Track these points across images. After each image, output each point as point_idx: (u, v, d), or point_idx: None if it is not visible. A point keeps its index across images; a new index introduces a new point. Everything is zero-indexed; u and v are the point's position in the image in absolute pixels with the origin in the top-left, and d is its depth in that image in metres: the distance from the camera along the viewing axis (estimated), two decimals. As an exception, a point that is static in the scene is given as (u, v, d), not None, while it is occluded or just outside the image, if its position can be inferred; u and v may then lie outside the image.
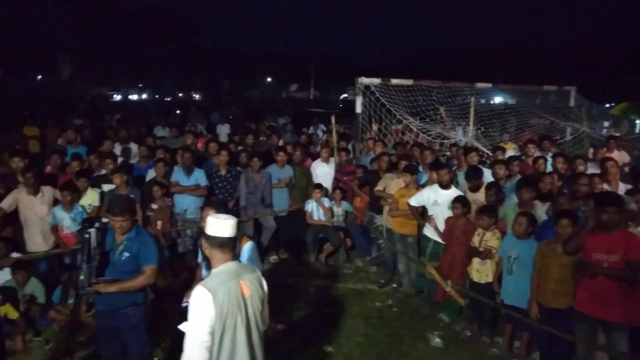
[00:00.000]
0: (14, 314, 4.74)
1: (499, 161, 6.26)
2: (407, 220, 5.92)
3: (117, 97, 40.71)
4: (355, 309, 5.66)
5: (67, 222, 5.53)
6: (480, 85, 9.31)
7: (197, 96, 46.62)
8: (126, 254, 3.47)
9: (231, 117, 16.61)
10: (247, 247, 3.79)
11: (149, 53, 43.89)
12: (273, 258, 7.08)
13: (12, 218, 5.57)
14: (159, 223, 6.03)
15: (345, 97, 44.37)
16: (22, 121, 11.79)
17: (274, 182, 6.90)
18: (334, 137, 7.90)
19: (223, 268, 2.56)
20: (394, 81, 8.29)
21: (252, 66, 50.74)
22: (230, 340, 2.45)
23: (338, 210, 7.16)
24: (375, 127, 8.65)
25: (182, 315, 2.49)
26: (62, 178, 6.13)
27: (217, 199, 6.40)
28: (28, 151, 6.88)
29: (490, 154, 7.65)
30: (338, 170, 7.45)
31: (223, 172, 6.75)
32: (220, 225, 2.55)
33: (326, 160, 7.55)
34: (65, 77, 47.12)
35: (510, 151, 7.87)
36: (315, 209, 6.93)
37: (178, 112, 18.11)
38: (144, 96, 45.78)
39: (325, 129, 11.20)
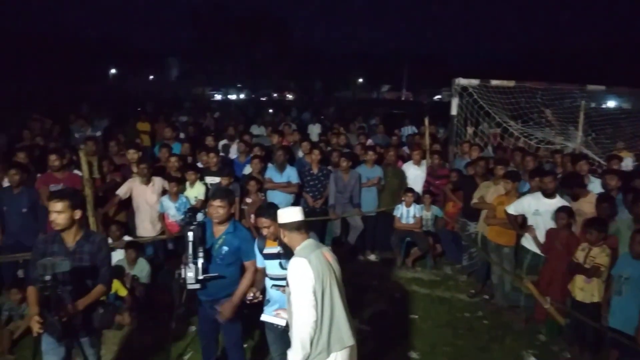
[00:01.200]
0: (123, 291, 5.24)
1: (611, 171, 5.69)
2: (504, 230, 5.60)
3: (218, 97, 43.23)
4: (443, 317, 5.48)
5: (172, 211, 5.99)
6: (592, 87, 8.53)
7: (290, 96, 48.04)
8: (225, 248, 3.60)
9: (322, 117, 16.90)
10: None
11: (248, 55, 46.06)
12: (359, 258, 7.08)
13: (126, 205, 6.16)
14: (252, 216, 6.30)
15: (438, 99, 43.04)
16: (136, 117, 13.00)
17: (363, 182, 6.90)
18: (427, 139, 7.70)
19: (305, 244, 2.98)
20: (494, 82, 7.88)
21: (345, 67, 51.10)
22: (328, 297, 2.84)
23: (427, 215, 6.98)
24: (470, 130, 8.30)
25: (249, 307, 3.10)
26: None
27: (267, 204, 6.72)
28: (141, 144, 7.53)
29: (602, 162, 6.99)
30: (430, 173, 7.26)
31: (315, 170, 6.88)
32: (291, 211, 3.05)
33: (417, 163, 7.39)
34: (172, 77, 51.11)
35: (627, 160, 7.12)
36: (404, 214, 6.82)
37: (270, 110, 18.82)
38: (242, 96, 48.14)
39: (416, 130, 10.96)
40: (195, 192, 6.10)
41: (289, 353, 2.86)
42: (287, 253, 3.20)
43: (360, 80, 54.73)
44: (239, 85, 50.24)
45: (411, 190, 6.92)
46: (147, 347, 4.60)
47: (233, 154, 8.15)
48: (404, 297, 5.98)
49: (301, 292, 2.78)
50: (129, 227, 6.15)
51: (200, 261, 3.46)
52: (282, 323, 3.40)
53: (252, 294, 3.49)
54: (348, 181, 6.77)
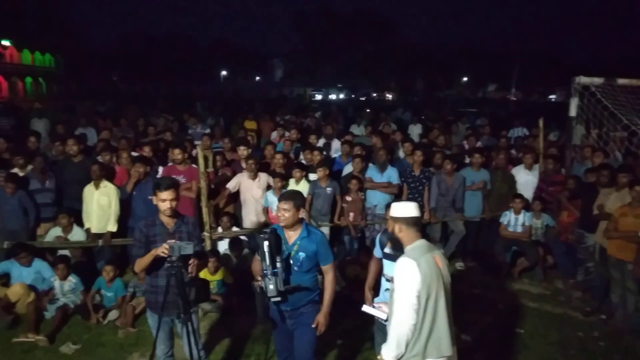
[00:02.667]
0: (229, 279, 5.59)
1: None
2: (628, 244, 5.02)
3: (319, 97, 44.28)
4: (552, 334, 5.07)
5: (275, 205, 6.24)
6: None
7: (390, 96, 47.65)
8: (302, 254, 3.36)
9: (423, 117, 16.50)
10: None
11: (350, 54, 46.52)
12: (459, 265, 6.81)
13: (235, 198, 6.56)
14: (351, 215, 6.37)
15: (552, 99, 39.79)
16: (244, 116, 13.77)
17: (467, 186, 6.62)
18: (541, 142, 7.16)
19: (417, 244, 2.87)
20: (621, 81, 7.08)
21: (449, 65, 49.43)
22: (432, 305, 2.74)
23: (537, 223, 6.50)
24: (594, 133, 7.55)
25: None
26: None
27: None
28: (250, 142, 7.96)
29: None
30: (543, 179, 6.75)
31: (417, 172, 6.73)
32: (408, 206, 2.93)
33: (529, 167, 6.91)
34: (277, 78, 53.36)
35: None
36: (512, 221, 6.41)
37: (368, 110, 18.78)
38: (341, 96, 48.82)
39: (527, 132, 10.23)
40: (300, 188, 6.29)
41: (383, 347, 2.84)
42: (395, 248, 3.10)
43: (465, 78, 52.53)
44: (339, 86, 50.99)
45: (520, 196, 6.49)
46: (241, 337, 4.83)
47: (332, 152, 8.29)
48: (508, 309, 5.63)
49: (405, 293, 2.72)
50: (237, 218, 6.55)
51: (279, 271, 3.21)
52: (383, 317, 3.29)
53: (373, 305, 3.37)
54: (452, 184, 6.55)
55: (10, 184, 5.51)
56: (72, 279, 5.26)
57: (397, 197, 6.70)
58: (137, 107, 15.28)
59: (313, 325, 3.33)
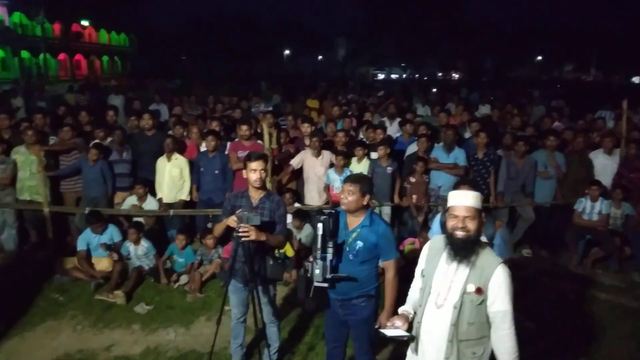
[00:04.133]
0: (290, 252, 5.72)
1: None
2: None
3: (381, 76, 43.56)
4: (624, 328, 4.77)
5: (337, 183, 6.27)
6: None
7: (456, 76, 45.94)
8: (359, 244, 3.13)
9: (492, 97, 15.80)
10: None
11: (415, 33, 45.09)
12: (527, 252, 6.54)
13: (297, 174, 6.65)
14: (414, 197, 6.27)
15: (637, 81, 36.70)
16: (306, 94, 13.85)
17: (539, 170, 6.29)
18: (624, 125, 6.64)
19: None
20: None
21: (521, 44, 46.65)
22: None
23: (616, 212, 6.08)
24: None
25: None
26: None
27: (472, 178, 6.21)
28: (313, 119, 8.00)
29: None
30: (624, 164, 6.28)
31: (480, 154, 6.47)
32: (462, 194, 2.45)
33: (609, 152, 6.44)
34: (339, 57, 52.98)
35: None
36: (588, 208, 6.04)
37: (433, 90, 18.26)
38: (405, 75, 47.72)
39: (612, 115, 9.50)
40: (362, 167, 6.29)
41: None
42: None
43: (539, 58, 49.43)
44: (402, 65, 49.83)
45: (598, 182, 6.08)
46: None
47: (393, 132, 8.16)
48: (578, 300, 5.36)
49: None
50: (299, 195, 6.66)
51: (329, 257, 3.04)
52: (404, 334, 2.53)
53: (391, 325, 2.58)
54: (522, 167, 6.25)
55: (94, 151, 5.91)
56: (144, 244, 5.62)
57: (462, 179, 6.50)
58: (203, 86, 15.81)
59: (376, 327, 3.02)
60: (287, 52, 52.35)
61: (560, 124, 8.55)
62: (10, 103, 10.72)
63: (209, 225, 6.21)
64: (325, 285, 3.07)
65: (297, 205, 6.31)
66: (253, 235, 3.22)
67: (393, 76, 46.01)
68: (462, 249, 2.40)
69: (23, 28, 39.15)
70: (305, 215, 6.12)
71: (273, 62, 48.63)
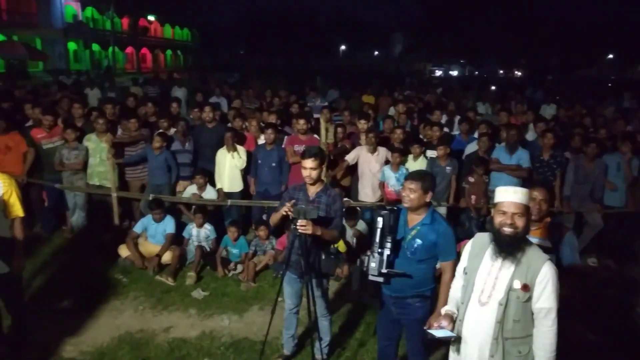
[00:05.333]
0: (342, 247, 5.72)
1: None
2: None
3: (439, 73, 42.54)
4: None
5: (392, 181, 6.20)
6: None
7: (519, 73, 44.04)
8: (418, 241, 3.09)
9: (557, 97, 15.05)
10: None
11: (475, 28, 43.64)
12: (592, 261, 6.17)
13: (352, 170, 6.63)
14: (473, 197, 6.08)
15: None
16: (362, 90, 13.78)
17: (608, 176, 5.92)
18: None
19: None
20: None
21: (592, 40, 43.94)
22: None
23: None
24: None
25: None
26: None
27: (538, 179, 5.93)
28: (370, 115, 7.94)
29: None
30: None
31: (545, 156, 6.17)
32: (511, 190, 2.46)
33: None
34: (396, 53, 52.26)
35: None
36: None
37: (493, 88, 17.64)
38: (464, 72, 46.33)
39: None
40: (418, 165, 6.18)
41: None
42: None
43: (610, 56, 46.41)
44: (461, 61, 48.42)
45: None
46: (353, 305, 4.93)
47: (454, 130, 7.96)
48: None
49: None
50: (351, 191, 6.64)
51: (386, 252, 3.03)
52: (451, 334, 2.59)
53: (437, 326, 2.63)
54: (592, 171, 5.90)
55: (159, 139, 6.17)
56: (207, 227, 5.87)
57: (526, 182, 6.24)
58: (260, 80, 16.14)
59: (425, 328, 2.91)
60: (343, 47, 52.29)
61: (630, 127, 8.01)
62: (84, 93, 11.41)
63: (264, 217, 6.33)
64: (380, 279, 3.08)
65: (346, 199, 6.28)
66: (309, 229, 3.24)
67: (452, 73, 44.74)
68: (509, 246, 2.40)
69: (94, 22, 41.57)
70: (356, 214, 6.11)
71: (329, 57, 48.71)
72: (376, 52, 53.69)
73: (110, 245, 5.97)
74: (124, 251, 5.70)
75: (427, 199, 3.12)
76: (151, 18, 48.20)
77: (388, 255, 3.04)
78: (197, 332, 4.45)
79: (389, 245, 3.04)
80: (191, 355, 4.10)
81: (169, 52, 55.24)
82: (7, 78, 15.58)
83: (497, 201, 2.46)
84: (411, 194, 3.07)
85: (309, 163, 3.43)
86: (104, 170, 6.26)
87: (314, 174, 3.45)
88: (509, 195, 2.42)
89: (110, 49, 36.73)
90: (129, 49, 45.33)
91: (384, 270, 3.03)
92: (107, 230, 6.39)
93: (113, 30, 36.61)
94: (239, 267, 5.66)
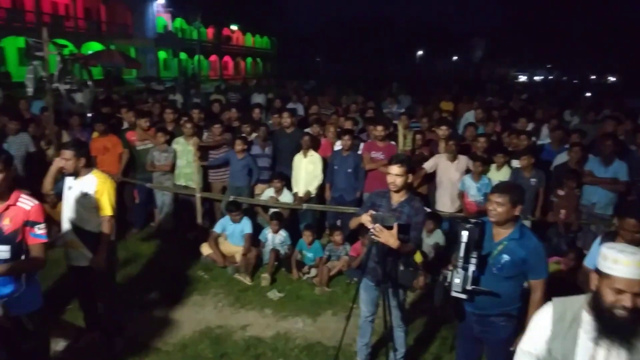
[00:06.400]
0: (419, 257, 5.58)
1: None
2: None
3: (523, 78, 40.44)
4: None
5: (473, 191, 5.96)
6: None
7: (612, 78, 40.67)
8: (505, 257, 2.92)
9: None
10: None
11: (562, 30, 40.97)
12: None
13: (429, 178, 6.47)
14: (562, 212, 5.68)
15: None
16: (439, 96, 13.42)
17: None
18: None
19: None
20: None
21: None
22: None
23: None
24: None
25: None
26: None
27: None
28: (451, 122, 7.70)
29: None
30: None
31: (649, 170, 5.65)
32: (630, 262, 1.81)
33: None
34: (477, 58, 50.45)
35: None
36: None
37: (588, 94, 16.41)
38: (550, 77, 43.66)
39: None
40: (501, 175, 5.89)
41: None
42: None
43: None
44: (548, 66, 45.68)
45: None
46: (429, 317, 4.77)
47: (542, 139, 7.51)
48: None
49: None
50: (428, 200, 6.46)
51: (471, 268, 2.88)
52: None
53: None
54: None
55: (240, 141, 6.41)
56: (283, 233, 6.00)
57: (622, 197, 5.73)
58: (335, 87, 16.28)
59: (511, 349, 2.74)
60: (420, 52, 51.42)
61: None
62: (170, 99, 12.18)
63: (338, 222, 6.35)
64: (464, 296, 2.93)
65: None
66: (384, 237, 3.19)
67: (536, 78, 42.30)
68: (624, 331, 1.86)
69: (182, 32, 44.34)
70: (440, 219, 5.94)
71: (405, 63, 48.13)
72: (455, 58, 52.18)
73: (193, 243, 6.29)
74: (205, 249, 5.98)
75: (516, 213, 2.93)
76: (234, 27, 50.54)
77: (473, 272, 2.88)
78: (272, 332, 4.55)
79: (474, 260, 2.88)
80: (266, 354, 4.20)
81: (249, 59, 57.58)
82: (104, 84, 16.99)
83: (610, 274, 1.86)
84: (498, 208, 2.89)
85: (394, 169, 3.37)
86: (190, 172, 6.61)
87: (399, 181, 3.38)
88: (630, 271, 1.81)
89: (196, 57, 38.90)
90: (213, 57, 47.81)
91: (468, 287, 2.89)
92: (190, 229, 6.74)
93: (199, 40, 38.78)
94: (313, 271, 5.72)
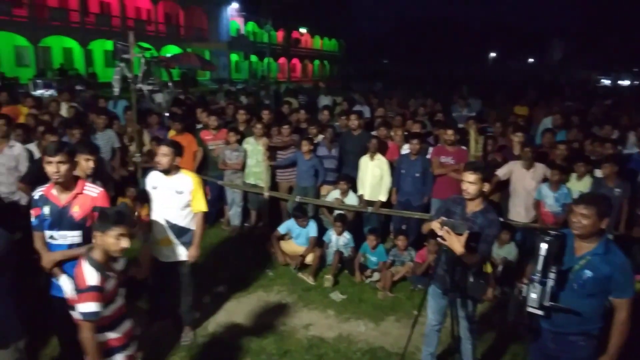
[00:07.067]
0: (488, 268, 5.34)
1: None
2: None
3: (606, 82, 37.66)
4: None
5: (550, 200, 5.64)
6: None
7: None
8: (588, 273, 2.74)
9: None
10: None
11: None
12: None
13: (502, 186, 6.19)
14: (649, 227, 5.23)
15: None
16: (514, 100, 12.83)
17: None
18: None
19: None
20: None
21: None
22: None
23: None
24: None
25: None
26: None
27: None
28: (526, 129, 7.36)
29: None
30: None
31: None
32: None
33: None
34: (555, 60, 47.72)
35: None
36: None
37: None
38: (637, 82, 40.32)
39: None
40: (582, 185, 5.53)
41: None
42: None
43: None
44: (635, 70, 42.23)
45: None
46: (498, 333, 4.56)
47: (629, 147, 6.96)
48: None
49: None
50: (501, 208, 6.19)
51: (550, 283, 2.72)
52: None
53: None
54: None
55: (306, 142, 6.49)
56: (347, 236, 6.00)
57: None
58: (403, 89, 16.07)
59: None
60: (492, 54, 49.43)
61: None
62: (240, 100, 12.58)
63: (404, 227, 6.25)
64: (541, 313, 2.77)
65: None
66: (449, 241, 3.10)
67: (622, 83, 39.21)
68: None
69: (254, 35, 45.74)
70: (514, 231, 5.69)
71: (477, 65, 46.47)
72: (530, 59, 49.57)
73: (260, 239, 6.46)
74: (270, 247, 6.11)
75: (603, 226, 2.74)
76: (303, 30, 51.37)
77: (552, 287, 2.73)
78: (334, 333, 4.56)
79: (552, 275, 2.72)
80: (328, 355, 4.22)
81: (316, 62, 58.27)
82: (181, 86, 17.87)
83: None
84: (584, 220, 2.72)
85: (468, 177, 3.28)
86: (259, 171, 6.79)
87: (472, 189, 3.29)
88: None
89: (266, 60, 40.03)
90: (281, 60, 48.91)
91: (546, 304, 2.73)
92: (257, 225, 6.92)
93: (269, 43, 39.87)
94: (376, 275, 5.67)
